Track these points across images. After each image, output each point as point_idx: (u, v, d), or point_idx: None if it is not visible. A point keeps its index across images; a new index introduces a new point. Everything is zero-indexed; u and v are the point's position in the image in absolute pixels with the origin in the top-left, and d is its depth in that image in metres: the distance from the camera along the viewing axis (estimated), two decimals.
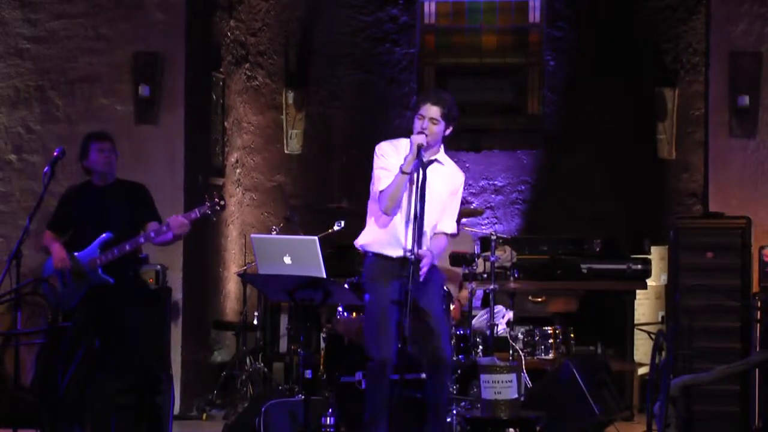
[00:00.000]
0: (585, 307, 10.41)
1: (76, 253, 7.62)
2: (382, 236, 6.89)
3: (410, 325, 6.40)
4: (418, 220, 6.61)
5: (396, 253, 6.77)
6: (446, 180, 6.94)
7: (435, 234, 6.96)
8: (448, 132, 6.87)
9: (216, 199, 7.53)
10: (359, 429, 7.31)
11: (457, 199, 7.06)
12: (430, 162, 6.86)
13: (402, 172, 6.68)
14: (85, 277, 7.60)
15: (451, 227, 7.03)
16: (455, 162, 7.14)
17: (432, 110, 6.79)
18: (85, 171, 7.87)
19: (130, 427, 7.56)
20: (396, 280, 6.67)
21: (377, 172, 6.89)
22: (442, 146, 6.97)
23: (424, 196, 6.69)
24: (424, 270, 6.63)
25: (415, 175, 6.66)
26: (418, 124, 6.79)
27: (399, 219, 6.78)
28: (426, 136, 6.72)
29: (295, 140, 11.51)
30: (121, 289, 7.63)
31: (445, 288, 7.50)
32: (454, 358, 8.03)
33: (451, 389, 7.56)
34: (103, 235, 7.57)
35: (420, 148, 6.65)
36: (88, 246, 7.60)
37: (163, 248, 8.31)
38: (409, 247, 6.56)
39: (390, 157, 6.86)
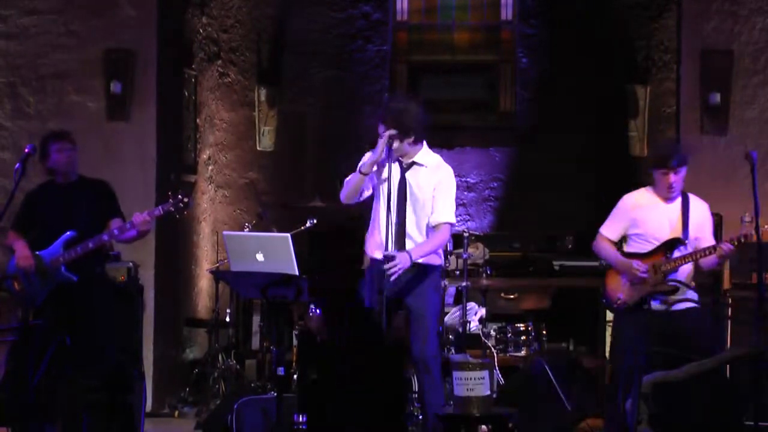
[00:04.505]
0: (557, 304, 10.43)
1: (39, 252, 7.58)
2: (373, 241, 6.98)
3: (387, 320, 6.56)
4: (398, 223, 6.68)
5: (380, 255, 6.83)
6: (427, 180, 6.97)
7: (434, 226, 6.97)
8: (411, 140, 6.88)
9: (180, 196, 7.51)
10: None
11: (445, 190, 7.00)
12: (410, 166, 6.90)
13: (360, 172, 6.76)
14: (49, 276, 7.56)
15: (447, 216, 6.99)
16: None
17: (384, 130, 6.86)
18: (48, 172, 7.82)
19: (101, 425, 7.52)
20: (381, 279, 6.71)
21: None
22: (423, 146, 6.99)
23: (405, 199, 6.76)
24: (393, 270, 6.63)
25: (395, 179, 6.71)
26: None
27: (383, 224, 6.80)
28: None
29: (268, 137, 11.48)
30: (87, 287, 7.60)
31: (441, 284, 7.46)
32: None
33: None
34: (67, 233, 7.55)
35: (391, 142, 6.71)
36: (53, 244, 7.58)
37: (135, 246, 8.28)
38: (390, 248, 6.60)
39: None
